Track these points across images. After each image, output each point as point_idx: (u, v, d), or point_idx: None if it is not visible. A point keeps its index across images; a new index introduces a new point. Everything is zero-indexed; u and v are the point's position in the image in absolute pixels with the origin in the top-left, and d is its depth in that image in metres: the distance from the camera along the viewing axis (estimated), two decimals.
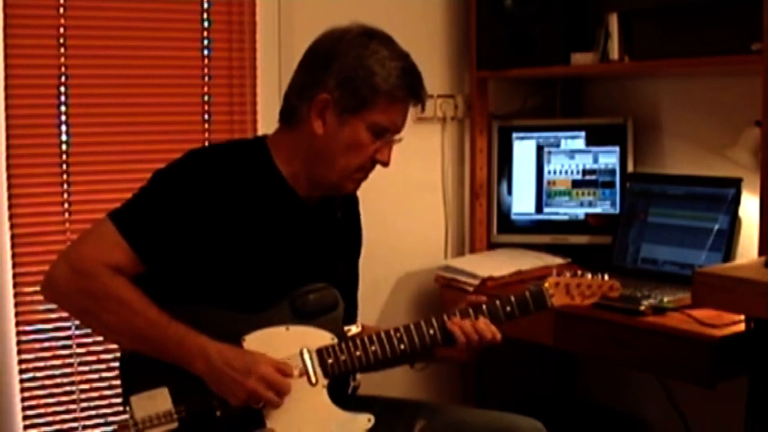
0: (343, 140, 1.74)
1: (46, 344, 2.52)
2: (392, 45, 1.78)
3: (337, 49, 1.75)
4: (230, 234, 1.71)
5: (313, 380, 1.71)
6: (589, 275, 1.90)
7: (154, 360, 1.67)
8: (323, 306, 1.76)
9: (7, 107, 2.41)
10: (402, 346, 1.76)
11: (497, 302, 1.81)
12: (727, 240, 2.44)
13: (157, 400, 1.67)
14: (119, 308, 1.66)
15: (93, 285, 1.66)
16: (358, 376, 1.87)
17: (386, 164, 1.80)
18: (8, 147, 2.42)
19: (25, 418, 2.49)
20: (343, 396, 1.79)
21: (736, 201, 2.46)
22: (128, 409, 1.68)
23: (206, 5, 2.67)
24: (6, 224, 2.43)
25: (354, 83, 1.72)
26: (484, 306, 1.81)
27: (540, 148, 2.98)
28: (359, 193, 1.91)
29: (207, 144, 1.80)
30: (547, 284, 1.85)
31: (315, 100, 1.73)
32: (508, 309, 1.81)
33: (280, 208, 1.78)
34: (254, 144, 1.83)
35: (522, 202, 3.01)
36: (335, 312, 1.77)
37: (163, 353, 1.67)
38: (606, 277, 1.90)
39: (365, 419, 1.73)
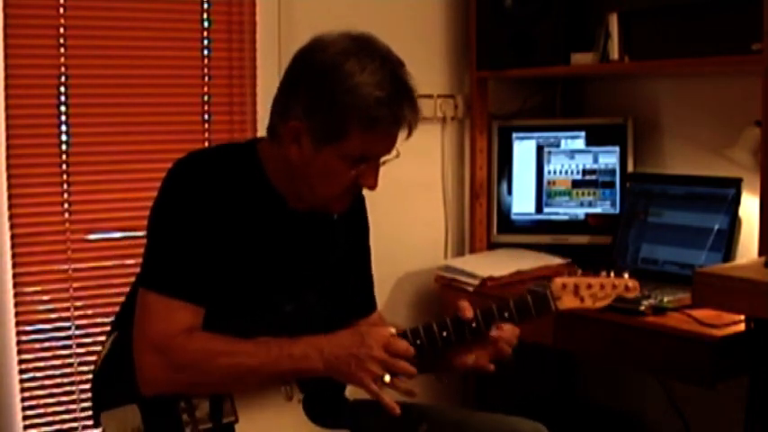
0: (318, 168, 1.64)
1: (46, 344, 2.52)
2: (375, 63, 1.60)
3: (307, 74, 1.63)
4: (226, 245, 1.66)
5: (288, 394, 1.69)
6: (603, 274, 1.74)
7: (124, 376, 1.63)
8: (298, 318, 1.71)
9: (7, 107, 2.41)
10: None
11: (494, 307, 1.69)
12: (727, 240, 2.44)
13: (128, 417, 1.65)
14: (218, 362, 1.60)
15: (181, 358, 1.60)
16: None
17: (371, 188, 1.69)
18: (8, 147, 2.42)
19: (25, 418, 2.49)
20: (332, 407, 1.75)
21: (736, 201, 2.46)
22: (99, 425, 1.67)
23: (206, 5, 2.67)
24: (6, 224, 2.43)
25: (322, 114, 1.59)
26: (478, 312, 1.68)
27: (540, 148, 2.98)
28: None
29: (195, 151, 1.74)
30: (553, 286, 1.70)
31: (287, 126, 1.63)
32: (506, 314, 1.68)
33: (270, 217, 1.72)
34: (246, 150, 1.76)
35: (522, 202, 3.01)
36: (313, 324, 1.70)
37: (282, 374, 1.64)
38: (626, 275, 1.73)
39: None
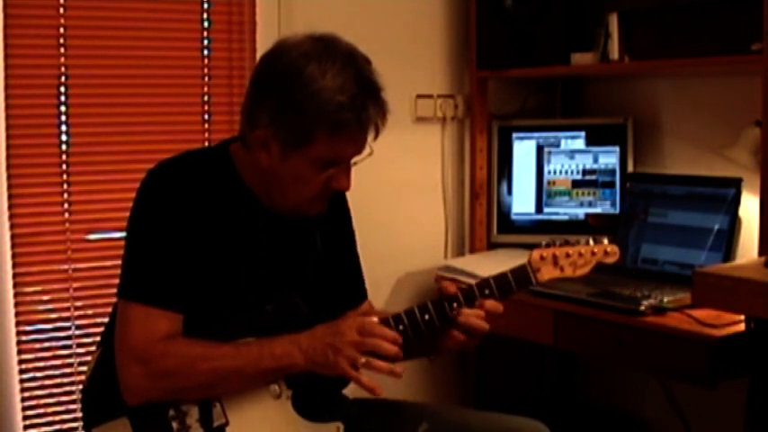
0: (288, 174, 1.64)
1: (46, 344, 2.52)
2: (337, 65, 1.59)
3: (270, 81, 1.62)
4: (204, 249, 1.66)
5: (277, 391, 1.68)
6: (582, 241, 1.72)
7: (111, 391, 1.63)
8: (281, 318, 1.70)
9: (7, 107, 2.41)
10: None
11: (474, 286, 1.68)
12: (727, 240, 2.44)
13: (118, 430, 1.65)
14: (199, 366, 1.60)
15: (162, 366, 1.60)
16: None
17: (345, 190, 1.70)
18: (8, 147, 2.42)
19: (25, 418, 2.50)
20: (321, 400, 1.75)
21: (736, 201, 2.46)
22: None
23: (206, 5, 2.68)
24: (6, 224, 2.43)
25: (287, 121, 1.59)
26: (460, 294, 1.67)
27: (540, 148, 2.98)
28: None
29: (167, 158, 1.74)
30: (532, 259, 1.69)
31: (254, 134, 1.64)
32: (487, 291, 1.67)
33: (246, 218, 1.71)
34: (218, 153, 1.75)
35: (522, 202, 3.01)
36: (296, 323, 1.68)
37: (265, 374, 1.64)
38: (606, 241, 1.72)
39: (333, 428, 1.70)
